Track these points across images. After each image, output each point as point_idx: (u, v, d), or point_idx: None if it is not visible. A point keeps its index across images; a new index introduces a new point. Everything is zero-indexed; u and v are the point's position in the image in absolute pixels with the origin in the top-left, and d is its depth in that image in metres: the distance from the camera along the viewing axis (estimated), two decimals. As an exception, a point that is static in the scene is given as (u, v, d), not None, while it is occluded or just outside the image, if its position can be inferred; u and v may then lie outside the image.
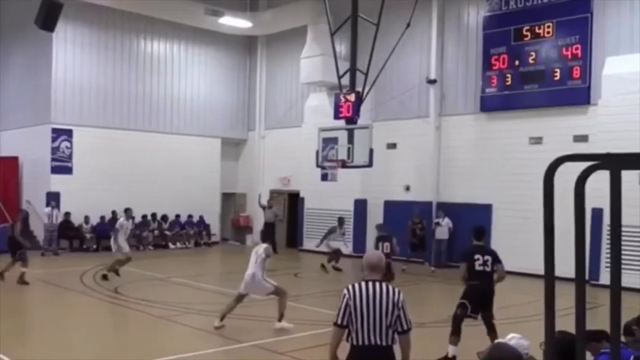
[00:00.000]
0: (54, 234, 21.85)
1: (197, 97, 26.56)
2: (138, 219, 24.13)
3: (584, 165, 1.90)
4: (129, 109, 24.65)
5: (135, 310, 12.68)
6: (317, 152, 18.80)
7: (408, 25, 17.70)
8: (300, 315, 12.19)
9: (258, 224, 27.15)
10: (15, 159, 24.27)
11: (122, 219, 16.63)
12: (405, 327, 5.12)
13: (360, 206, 22.68)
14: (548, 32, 18.44)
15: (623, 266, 1.93)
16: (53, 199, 22.30)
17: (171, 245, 24.37)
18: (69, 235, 22.70)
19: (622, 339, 4.23)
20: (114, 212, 22.69)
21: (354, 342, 5.09)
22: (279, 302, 11.16)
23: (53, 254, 21.40)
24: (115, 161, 23.74)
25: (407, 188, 21.70)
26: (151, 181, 24.39)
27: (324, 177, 21.35)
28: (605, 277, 15.02)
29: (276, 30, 25.90)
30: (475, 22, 20.43)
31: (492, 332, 8.83)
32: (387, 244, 14.17)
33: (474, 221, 19.81)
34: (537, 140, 18.62)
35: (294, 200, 25.54)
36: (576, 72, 17.83)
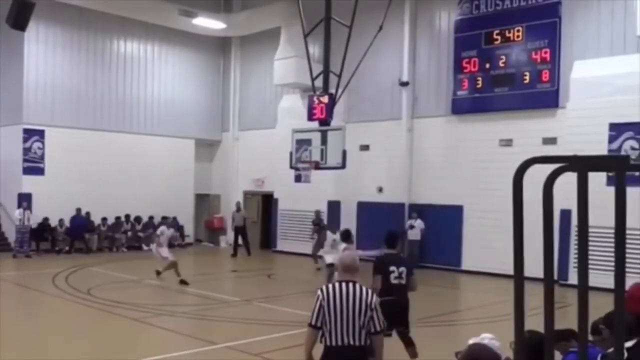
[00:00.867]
0: (26, 235, 21.54)
1: (171, 98, 26.37)
2: (111, 221, 23.98)
3: (552, 167, 1.92)
4: (101, 110, 24.38)
5: (109, 312, 12.55)
6: (291, 154, 18.74)
7: (381, 28, 17.73)
8: (274, 316, 12.17)
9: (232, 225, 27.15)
10: (-15, 160, 23.88)
11: (163, 227, 17.09)
12: (378, 328, 5.16)
13: (334, 207, 22.70)
14: (518, 36, 18.63)
15: (590, 266, 1.96)
16: (25, 199, 22.01)
17: (145, 247, 24.14)
18: (44, 237, 22.41)
19: (590, 337, 4.29)
20: (78, 210, 22.90)
21: (328, 343, 5.11)
22: None
23: (25, 256, 21.09)
24: (88, 162, 23.45)
25: (380, 189, 21.76)
26: (124, 182, 24.15)
27: (298, 179, 21.38)
28: (573, 277, 15.21)
29: (250, 32, 25.80)
30: (447, 26, 20.58)
31: (410, 345, 8.23)
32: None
33: (445, 222, 20.29)
34: (507, 143, 18.80)
35: (268, 202, 25.49)
36: (545, 76, 18.04)
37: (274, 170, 23.96)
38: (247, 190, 26.80)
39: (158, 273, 16.54)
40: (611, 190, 1.91)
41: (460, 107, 19.97)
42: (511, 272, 2.07)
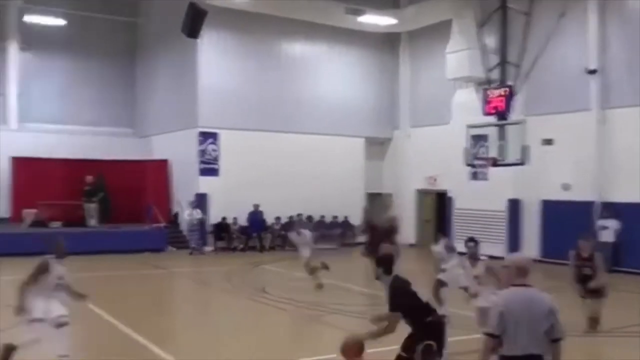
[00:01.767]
0: (195, 233, 22.88)
1: (340, 97, 26.84)
2: (284, 220, 24.96)
3: None
4: (272, 111, 25.34)
5: (283, 310, 12.99)
6: (466, 150, 18.51)
7: (563, 13, 16.97)
8: (455, 319, 12.00)
9: (405, 225, 27.15)
10: (165, 162, 25.79)
11: (305, 230, 16.80)
12: (559, 335, 4.99)
13: (514, 207, 22.01)
14: None
15: None
16: (201, 200, 23.50)
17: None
18: (221, 237, 23.83)
19: None
20: (256, 206, 24.05)
21: (507, 353, 4.94)
22: None
23: (199, 253, 22.49)
24: (260, 163, 24.48)
25: (566, 187, 20.77)
26: (295, 182, 24.92)
27: (474, 176, 21.00)
28: None
29: (419, 26, 25.67)
30: (642, 5, 19.19)
31: None
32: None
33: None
34: None
35: (441, 200, 25.25)
36: None
37: (447, 167, 23.63)
38: (419, 189, 26.72)
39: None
40: None
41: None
42: None
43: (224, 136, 24.21)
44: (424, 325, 6.72)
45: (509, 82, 17.47)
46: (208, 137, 24.12)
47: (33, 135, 25.89)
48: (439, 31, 24.47)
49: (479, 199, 22.43)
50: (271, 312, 12.91)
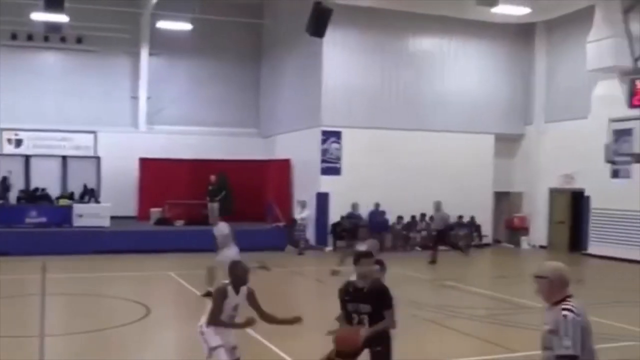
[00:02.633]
0: (302, 234, 22.62)
1: (469, 93, 25.90)
2: (407, 219, 24.34)
3: None
4: (397, 109, 24.84)
5: (403, 312, 12.50)
6: (607, 146, 17.27)
7: None
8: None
9: (535, 225, 25.84)
10: (287, 161, 25.91)
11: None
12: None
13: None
14: None
15: None
16: (323, 199, 23.38)
17: (439, 247, 24.08)
18: (341, 236, 23.52)
19: None
20: (377, 205, 23.47)
21: None
22: None
23: (298, 253, 22.20)
24: (383, 161, 24.06)
25: None
26: (420, 181, 24.27)
27: (615, 174, 19.64)
28: None
29: (557, 14, 24.44)
30: None
31: None
32: None
33: None
34: None
35: (578, 200, 23.85)
36: None
37: (585, 165, 22.22)
38: (553, 188, 25.28)
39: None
40: None
41: None
42: None
43: (347, 135, 24.02)
44: None
45: (659, 72, 16.05)
46: (331, 135, 24.00)
47: (161, 136, 27.07)
48: (579, 19, 23.24)
49: (619, 199, 20.96)
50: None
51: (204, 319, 6.77)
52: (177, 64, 28.57)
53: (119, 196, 24.64)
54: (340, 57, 24.14)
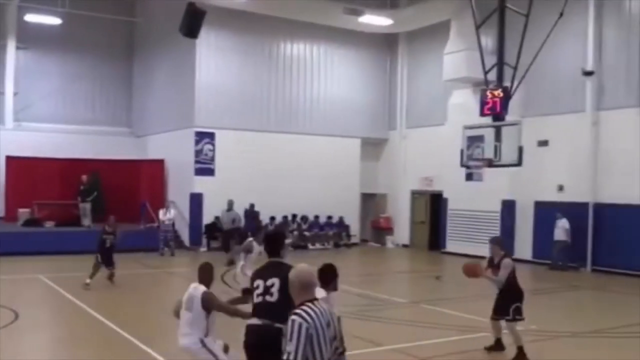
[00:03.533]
0: (169, 234, 22.22)
1: (337, 98, 26.83)
2: (279, 220, 24.90)
3: None
4: (268, 111, 25.34)
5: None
6: (462, 151, 18.40)
7: (561, 14, 16.83)
8: (443, 319, 12.01)
9: (399, 225, 27.18)
10: (161, 162, 25.72)
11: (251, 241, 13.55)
12: (344, 347, 4.79)
13: (509, 207, 22.00)
14: None
15: None
16: (196, 199, 23.44)
17: (310, 246, 24.83)
18: (214, 236, 23.73)
19: None
20: (252, 205, 23.64)
21: None
22: None
23: (171, 255, 21.98)
24: (256, 163, 24.45)
25: (561, 188, 20.80)
26: (291, 182, 24.89)
27: (469, 177, 20.92)
28: None
29: (418, 27, 25.62)
30: (638, 7, 19.19)
31: None
32: None
33: (636, 224, 18.91)
34: None
35: (437, 201, 25.22)
36: None
37: (443, 168, 23.64)
38: (414, 190, 26.69)
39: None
40: None
41: (655, 97, 18.51)
42: None
43: (220, 136, 24.15)
44: None
45: (506, 83, 17.35)
46: (204, 136, 24.06)
47: (29, 134, 25.94)
48: (437, 32, 24.53)
49: (473, 200, 22.51)
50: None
51: (193, 337, 6.78)
52: (47, 59, 27.53)
53: (-17, 196, 23.54)
54: (214, 59, 24.24)
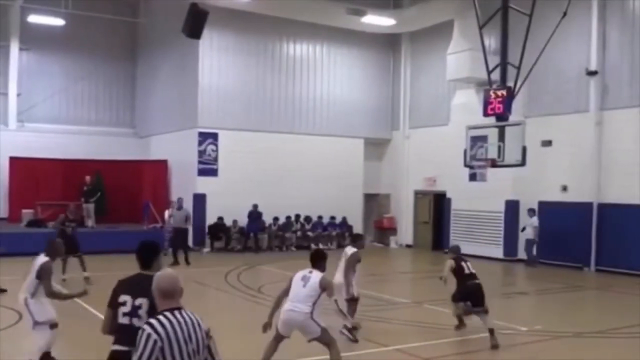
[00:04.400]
0: (169, 234, 21.92)
1: (340, 98, 26.84)
2: (282, 220, 24.90)
3: None
4: (271, 112, 25.36)
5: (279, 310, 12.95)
6: (465, 151, 18.39)
7: (565, 14, 16.82)
8: (446, 320, 11.98)
9: (402, 226, 27.17)
10: (164, 162, 25.74)
11: None
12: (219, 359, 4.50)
13: (512, 207, 21.96)
14: None
15: None
16: (199, 200, 23.45)
17: (313, 247, 24.79)
18: (218, 237, 23.74)
19: None
20: (255, 206, 23.72)
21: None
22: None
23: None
24: (260, 163, 24.47)
25: (564, 188, 20.78)
26: (294, 182, 24.93)
27: (472, 177, 20.87)
28: None
29: (421, 27, 25.63)
30: (642, 6, 19.18)
31: None
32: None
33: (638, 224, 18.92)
34: None
35: (440, 201, 25.21)
36: None
37: (446, 168, 23.64)
38: (417, 190, 26.69)
39: None
40: None
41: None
42: None
43: (224, 136, 24.15)
44: None
45: (509, 83, 17.33)
46: (207, 137, 24.06)
47: (32, 135, 25.99)
48: (441, 32, 24.52)
49: (477, 200, 22.48)
50: (266, 312, 12.78)
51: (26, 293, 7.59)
52: (50, 60, 27.60)
53: (-14, 197, 23.55)
54: (217, 59, 24.25)
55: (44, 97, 27.11)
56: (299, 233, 25.15)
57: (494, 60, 17.57)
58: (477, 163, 18.07)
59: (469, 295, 10.64)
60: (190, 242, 23.53)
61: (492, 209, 22.06)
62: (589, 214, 19.89)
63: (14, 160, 24.81)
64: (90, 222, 22.99)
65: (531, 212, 20.90)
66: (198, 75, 23.96)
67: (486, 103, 17.82)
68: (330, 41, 26.64)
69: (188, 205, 23.46)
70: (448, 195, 24.36)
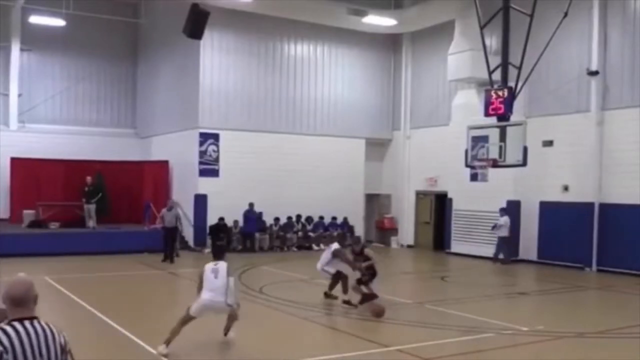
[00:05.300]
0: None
1: (341, 98, 26.85)
2: (283, 221, 24.89)
3: None
4: (272, 112, 25.36)
5: (280, 310, 12.96)
6: (466, 151, 18.36)
7: (566, 14, 16.79)
8: (448, 320, 11.97)
9: (403, 226, 27.15)
10: (165, 163, 25.74)
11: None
12: None
13: (513, 208, 21.94)
14: None
15: None
16: (201, 200, 23.44)
17: (315, 247, 24.79)
18: (219, 237, 23.67)
19: None
20: (251, 204, 23.63)
21: None
22: None
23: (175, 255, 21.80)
24: (261, 164, 24.48)
25: (565, 188, 20.76)
26: (295, 183, 24.94)
27: (474, 177, 20.84)
28: None
29: (422, 27, 25.66)
30: (643, 6, 19.15)
31: None
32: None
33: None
34: None
35: (442, 201, 25.19)
36: None
37: (447, 169, 23.62)
38: (419, 190, 26.68)
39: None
40: None
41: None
42: None
43: (225, 137, 24.15)
44: None
45: (510, 84, 17.31)
46: (208, 137, 24.06)
47: (33, 135, 26.04)
48: (441, 32, 24.56)
49: (478, 201, 22.43)
50: (267, 312, 12.82)
51: None
52: (51, 61, 27.63)
53: (-13, 197, 23.55)
54: (218, 60, 24.26)
55: (45, 98, 27.16)
56: (300, 233, 25.14)
57: (495, 61, 17.56)
58: (478, 163, 18.05)
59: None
60: (191, 243, 23.68)
61: (494, 209, 22.02)
62: (590, 214, 19.88)
63: (15, 161, 24.83)
64: (91, 223, 22.98)
65: (502, 211, 21.15)
66: (199, 75, 23.97)
67: (487, 103, 17.80)
68: (332, 41, 26.64)
69: (189, 206, 23.56)
70: (449, 195, 24.32)
